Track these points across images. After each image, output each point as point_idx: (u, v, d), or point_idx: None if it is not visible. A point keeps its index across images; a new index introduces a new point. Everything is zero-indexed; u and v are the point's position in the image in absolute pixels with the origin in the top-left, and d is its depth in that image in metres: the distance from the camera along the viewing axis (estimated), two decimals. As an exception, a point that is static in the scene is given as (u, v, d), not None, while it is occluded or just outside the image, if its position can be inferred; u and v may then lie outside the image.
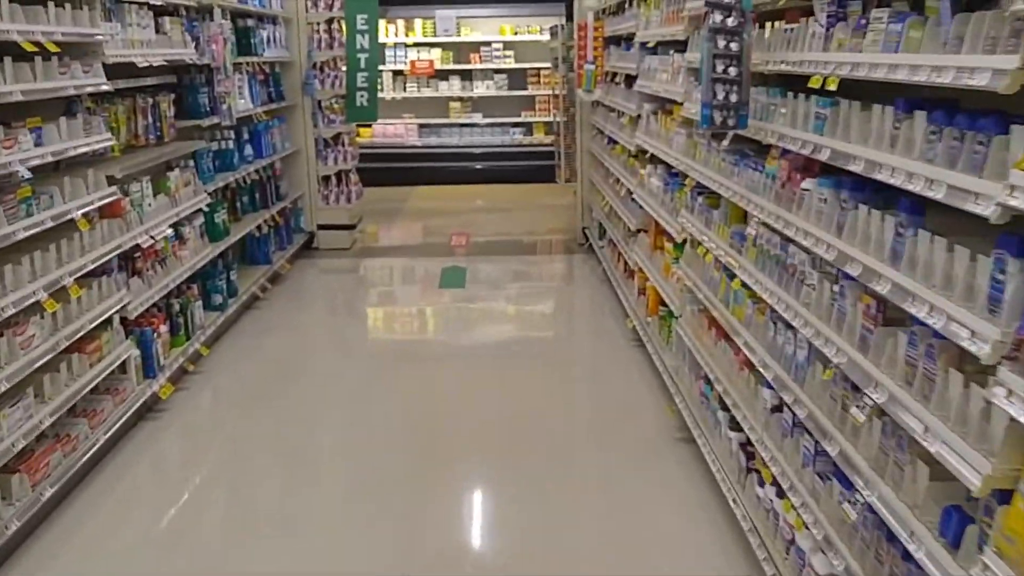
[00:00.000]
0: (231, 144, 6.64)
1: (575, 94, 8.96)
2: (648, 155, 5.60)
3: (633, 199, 6.01)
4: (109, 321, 4.49)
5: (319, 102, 8.80)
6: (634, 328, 5.89)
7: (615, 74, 6.93)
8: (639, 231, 5.95)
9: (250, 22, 7.26)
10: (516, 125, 13.75)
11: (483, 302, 7.40)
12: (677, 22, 4.57)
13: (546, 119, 13.67)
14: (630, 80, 6.23)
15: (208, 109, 5.99)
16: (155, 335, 4.97)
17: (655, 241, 5.46)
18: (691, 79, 4.35)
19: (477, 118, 13.66)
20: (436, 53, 13.46)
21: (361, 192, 9.37)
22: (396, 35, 13.41)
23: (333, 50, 8.80)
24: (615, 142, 7.08)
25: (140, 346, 4.84)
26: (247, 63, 7.16)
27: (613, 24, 7.08)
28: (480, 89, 13.55)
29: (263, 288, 7.19)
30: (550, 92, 13.53)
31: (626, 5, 6.24)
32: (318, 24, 8.69)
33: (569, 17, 13.15)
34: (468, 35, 13.46)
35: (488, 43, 13.47)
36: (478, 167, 13.48)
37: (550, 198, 12.34)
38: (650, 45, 5.21)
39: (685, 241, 4.55)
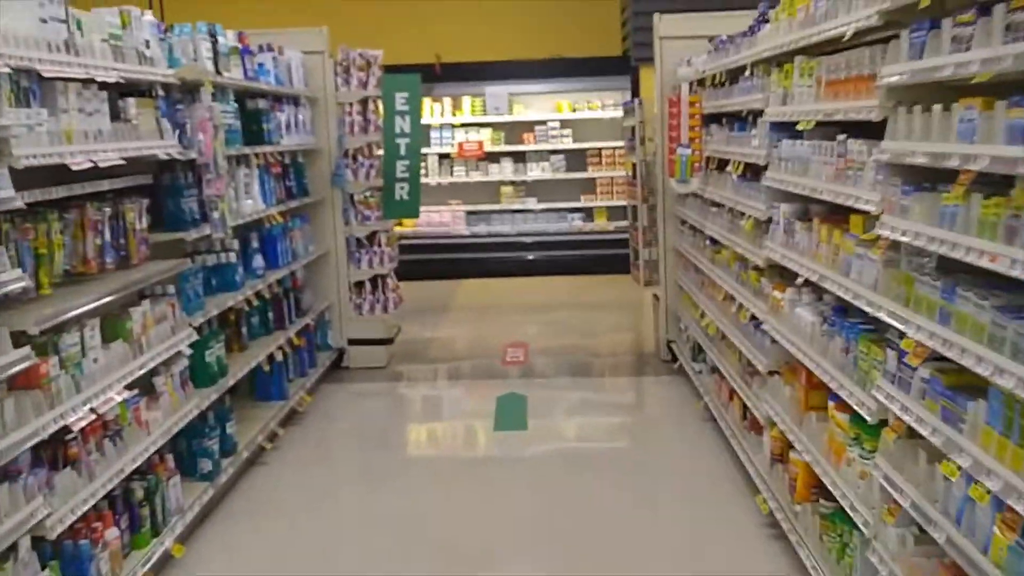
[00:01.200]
0: (233, 257, 5.23)
1: (655, 180, 7.47)
2: (787, 273, 4.05)
3: (760, 328, 4.44)
4: (13, 548, 3.01)
5: (351, 196, 7.43)
6: (770, 512, 4.25)
7: (724, 161, 5.42)
8: (772, 373, 4.36)
9: (262, 103, 5.93)
10: (575, 210, 12.32)
11: (551, 456, 5.71)
12: (861, 94, 3.06)
13: (609, 203, 12.22)
14: (751, 170, 4.72)
15: (196, 217, 4.59)
16: (97, 548, 3.47)
17: (806, 398, 3.86)
18: (895, 180, 2.82)
19: (531, 203, 12.26)
20: (486, 133, 12.15)
21: (400, 299, 7.92)
22: (442, 115, 12.14)
23: (368, 135, 7.45)
24: (720, 245, 5.55)
25: (72, 568, 3.34)
26: (258, 154, 5.80)
27: (716, 98, 5.61)
28: (535, 172, 12.18)
29: (272, 436, 5.67)
30: (613, 174, 12.11)
31: (744, 73, 4.75)
32: (350, 105, 7.37)
33: (635, 92, 11.84)
34: (521, 113, 12.16)
35: (543, 122, 12.14)
36: (532, 258, 12.03)
37: (616, 293, 10.81)
38: (800, 127, 3.69)
39: (883, 424, 2.96)
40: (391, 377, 7.48)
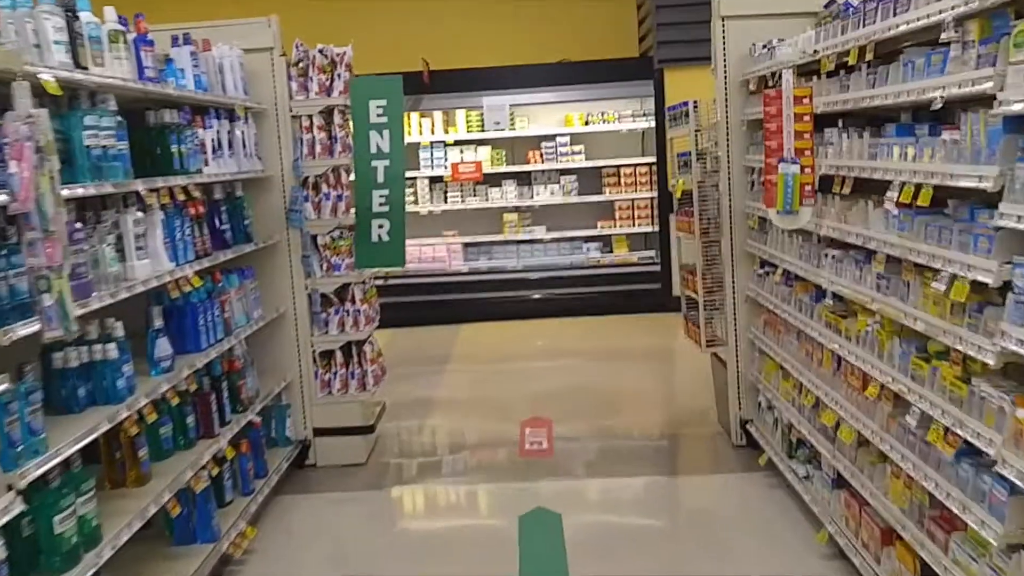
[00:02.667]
0: (113, 350, 3.38)
1: (714, 207, 5.66)
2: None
3: (978, 464, 2.60)
4: None
5: (313, 238, 5.60)
6: None
7: (859, 181, 3.58)
8: (1017, 548, 2.51)
9: (171, 117, 4.10)
10: (590, 239, 10.49)
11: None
12: None
13: (630, 230, 10.39)
14: (941, 194, 2.88)
15: (25, 301, 2.74)
16: None
17: None
18: None
19: (539, 232, 10.42)
20: (484, 152, 10.33)
21: (382, 370, 6.05)
22: (432, 131, 10.32)
23: (334, 157, 5.62)
24: (844, 304, 3.72)
25: None
26: (162, 190, 3.95)
27: (838, 90, 3.79)
28: (542, 196, 10.35)
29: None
30: (635, 196, 10.29)
31: (900, 50, 2.91)
32: (309, 118, 5.54)
33: (659, 100, 10.05)
34: (525, 128, 10.34)
35: (551, 137, 10.32)
36: (541, 297, 10.18)
37: (647, 339, 8.98)
38: None
39: None
40: (373, 478, 5.60)
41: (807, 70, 4.20)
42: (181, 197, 4.07)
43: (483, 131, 10.25)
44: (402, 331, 9.92)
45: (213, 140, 4.59)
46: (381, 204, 5.50)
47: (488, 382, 7.98)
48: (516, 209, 10.53)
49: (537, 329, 9.78)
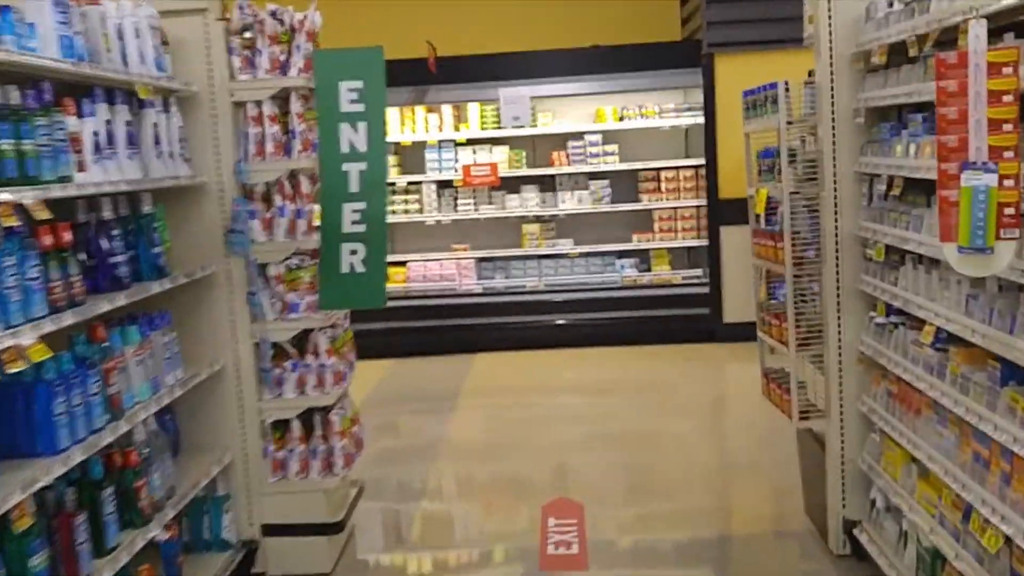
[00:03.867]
0: None
1: (822, 231, 4.14)
2: None
3: None
4: None
5: (263, 267, 4.14)
6: None
7: None
8: None
9: (3, 96, 2.66)
10: (625, 255, 8.98)
11: None
12: None
13: (672, 243, 8.87)
14: None
15: None
16: None
17: None
18: None
19: (565, 246, 8.93)
20: (501, 153, 8.86)
21: (358, 445, 4.57)
22: (440, 129, 8.86)
23: (292, 157, 4.15)
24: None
25: None
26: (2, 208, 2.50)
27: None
28: (568, 203, 8.86)
29: None
30: (678, 204, 8.77)
31: None
32: (257, 105, 4.08)
33: (709, 89, 8.54)
34: (548, 125, 8.85)
35: (579, 135, 8.82)
36: (565, 322, 8.68)
37: (697, 379, 7.49)
38: None
39: None
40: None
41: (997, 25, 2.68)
42: (15, 221, 2.61)
43: (499, 128, 8.77)
44: (402, 362, 8.48)
45: (96, 134, 3.14)
46: (355, 222, 4.03)
47: (502, 434, 6.50)
48: (538, 219, 9.05)
49: (562, 361, 8.29)
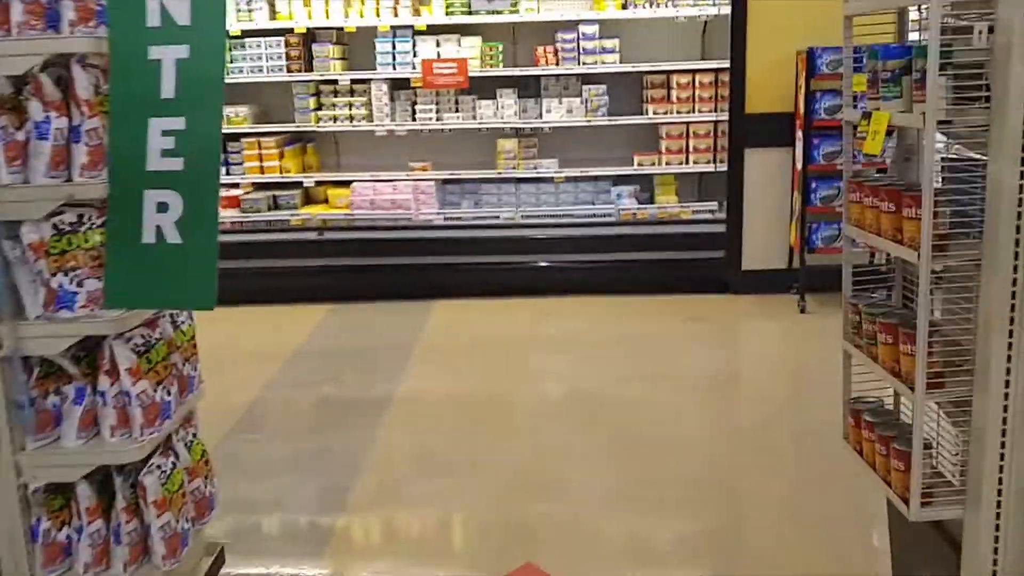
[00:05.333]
0: None
1: (1003, 185, 2.40)
2: None
3: None
4: None
5: (12, 228, 2.39)
6: None
7: None
8: None
9: None
10: (623, 181, 7.22)
11: None
12: None
13: (681, 169, 7.11)
14: None
15: None
16: None
17: None
18: None
19: (549, 168, 7.14)
20: (472, 46, 6.98)
21: (202, 512, 2.90)
22: (395, 12, 6.94)
23: (60, 32, 2.36)
24: None
25: None
26: None
27: None
28: (555, 114, 7.03)
29: None
30: (690, 118, 6.97)
31: None
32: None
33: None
34: (533, 11, 6.95)
35: (571, 25, 6.93)
36: (546, 265, 6.97)
37: (701, 342, 5.80)
38: None
39: None
40: None
41: None
42: None
43: (470, 13, 6.87)
44: (341, 308, 6.80)
45: None
46: (167, 153, 2.27)
47: (455, 437, 4.83)
48: (517, 132, 7.24)
49: (541, 312, 6.62)
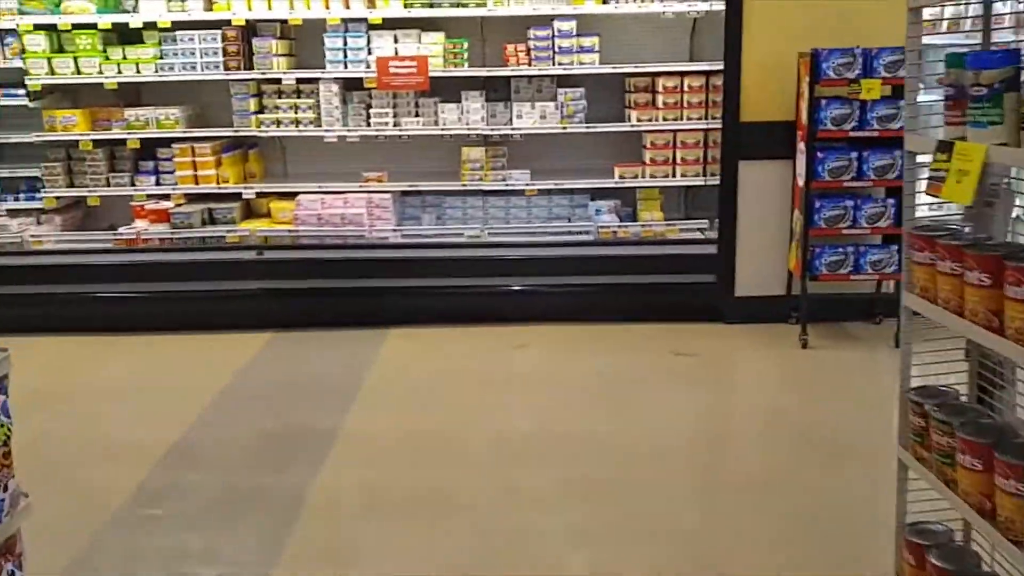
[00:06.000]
0: None
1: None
2: None
3: None
4: None
5: None
6: None
7: None
8: None
9: None
10: (602, 195, 6.48)
11: None
12: None
13: (668, 183, 6.38)
14: None
15: None
16: None
17: None
18: None
19: (519, 180, 6.38)
20: (434, 42, 6.20)
21: None
22: (347, 3, 6.15)
23: None
24: None
25: None
26: None
27: None
28: (527, 119, 6.27)
29: None
30: (678, 126, 6.25)
31: None
32: None
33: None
34: (501, 5, 6.17)
35: (546, 20, 6.17)
36: (516, 289, 6.21)
37: (690, 383, 5.03)
38: None
39: None
40: None
41: None
42: None
43: (432, 6, 6.09)
44: (283, 337, 6.03)
45: None
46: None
47: (409, 480, 4.06)
48: (484, 140, 6.48)
49: (510, 342, 5.86)
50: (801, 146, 5.61)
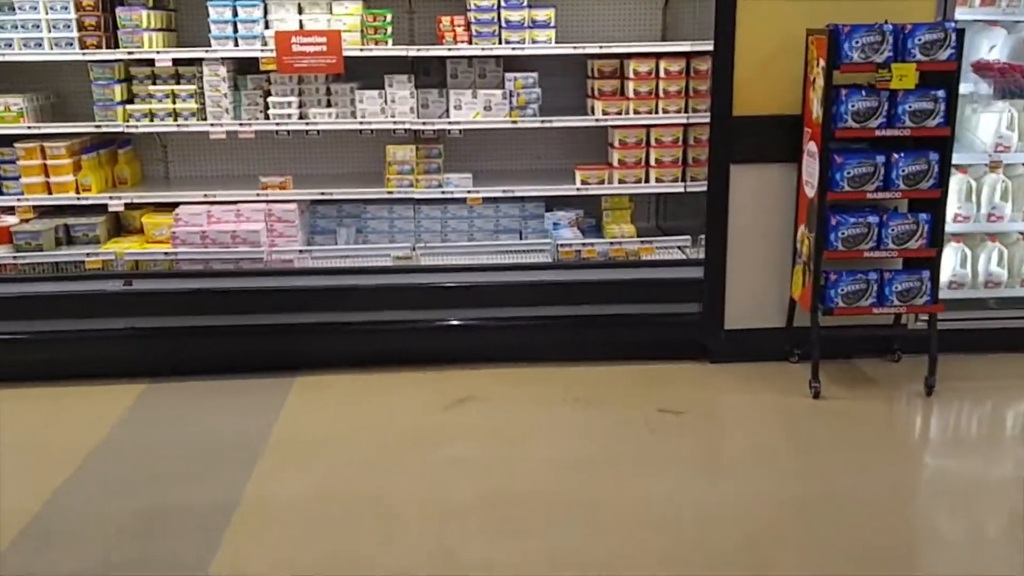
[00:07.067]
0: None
1: None
2: None
3: None
4: None
5: None
6: None
7: None
8: None
9: None
10: (560, 204, 5.29)
11: None
12: None
13: (641, 189, 5.19)
14: None
15: None
16: None
17: None
18: None
19: (458, 186, 5.13)
20: (347, 14, 4.91)
21: None
22: (238, -36, 4.83)
23: None
24: None
25: None
26: None
27: None
28: (467, 110, 5.01)
29: None
30: (651, 120, 5.07)
31: None
32: None
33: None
34: (434, -35, 4.91)
35: (489, -13, 4.93)
36: (454, 324, 4.97)
37: (671, 458, 3.71)
38: None
39: None
40: None
41: None
42: None
43: (345, -33, 4.81)
44: (160, 388, 4.74)
45: None
46: None
47: (323, 556, 2.91)
48: (415, 136, 5.22)
49: (444, 391, 4.65)
50: (811, 147, 4.47)
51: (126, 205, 5.08)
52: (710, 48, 4.74)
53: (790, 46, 4.57)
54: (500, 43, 4.90)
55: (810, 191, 4.50)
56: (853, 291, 4.49)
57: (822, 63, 4.31)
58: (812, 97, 4.45)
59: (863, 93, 4.27)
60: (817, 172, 4.39)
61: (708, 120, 4.83)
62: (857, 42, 4.18)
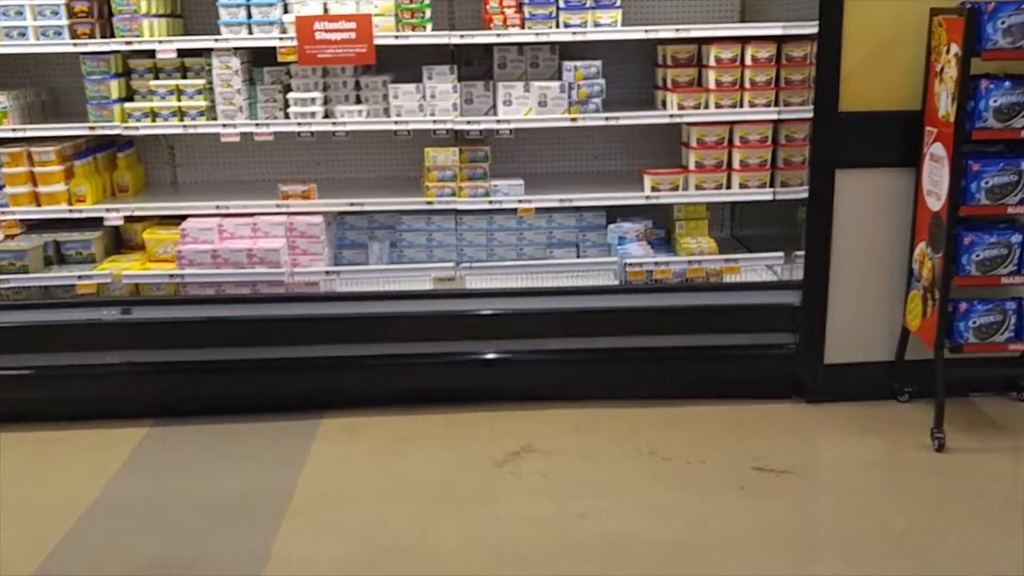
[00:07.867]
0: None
1: None
2: None
3: None
4: None
5: None
6: None
7: None
8: None
9: None
10: (626, 214, 4.55)
11: None
12: None
13: (722, 198, 4.43)
14: None
15: None
16: None
17: None
18: None
19: (508, 192, 4.40)
20: (376, -7, 4.21)
21: None
22: (251, -63, 4.11)
23: None
24: None
25: None
26: None
27: None
28: (518, 106, 4.28)
29: None
30: (736, 116, 4.30)
31: None
32: None
33: None
34: (480, -64, 4.17)
35: (544, -39, 4.18)
36: (501, 358, 4.26)
37: (788, 532, 3.02)
38: None
39: None
40: None
41: None
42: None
43: (375, -61, 4.07)
44: (165, 432, 4.08)
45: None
46: None
47: None
48: (457, 137, 4.49)
49: (503, 438, 3.95)
50: (937, 150, 3.70)
51: (126, 218, 4.40)
52: (805, 31, 3.99)
53: (910, 29, 3.80)
54: (557, 26, 4.15)
55: (934, 203, 3.74)
56: (987, 324, 3.73)
57: (955, 49, 3.53)
58: (939, 90, 3.68)
59: (1009, 86, 3.49)
60: (946, 181, 3.63)
61: (803, 116, 4.08)
62: (1005, 22, 3.40)
